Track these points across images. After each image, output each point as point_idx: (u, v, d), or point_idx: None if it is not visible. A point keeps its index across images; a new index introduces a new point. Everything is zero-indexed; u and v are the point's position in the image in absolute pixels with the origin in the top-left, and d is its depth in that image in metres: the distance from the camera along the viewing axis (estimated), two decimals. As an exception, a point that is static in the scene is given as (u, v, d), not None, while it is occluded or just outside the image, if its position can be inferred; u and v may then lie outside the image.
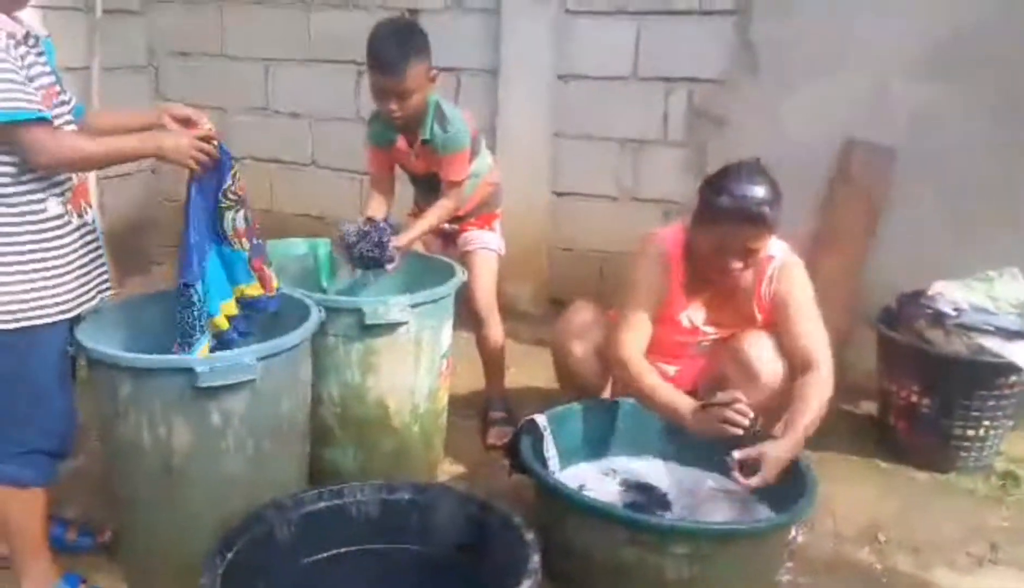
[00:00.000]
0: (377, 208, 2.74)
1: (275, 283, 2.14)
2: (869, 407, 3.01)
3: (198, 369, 1.84)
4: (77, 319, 1.92)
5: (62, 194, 1.85)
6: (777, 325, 2.30)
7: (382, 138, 2.72)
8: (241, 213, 2.03)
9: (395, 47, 2.46)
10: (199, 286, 1.97)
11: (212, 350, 2.00)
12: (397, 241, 2.53)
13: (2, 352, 1.83)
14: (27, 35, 1.79)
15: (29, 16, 1.86)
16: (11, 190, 1.77)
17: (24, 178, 1.78)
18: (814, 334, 2.24)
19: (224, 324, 2.04)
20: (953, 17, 3.20)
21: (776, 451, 2.01)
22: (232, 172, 1.99)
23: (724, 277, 2.26)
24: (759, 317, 2.35)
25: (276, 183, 4.48)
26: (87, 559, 2.15)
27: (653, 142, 3.78)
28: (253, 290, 2.09)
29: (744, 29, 3.54)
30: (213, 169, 1.95)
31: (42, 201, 1.81)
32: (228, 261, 2.05)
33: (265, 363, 1.92)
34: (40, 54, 1.83)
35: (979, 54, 3.19)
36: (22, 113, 1.68)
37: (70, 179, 1.88)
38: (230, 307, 2.06)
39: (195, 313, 1.98)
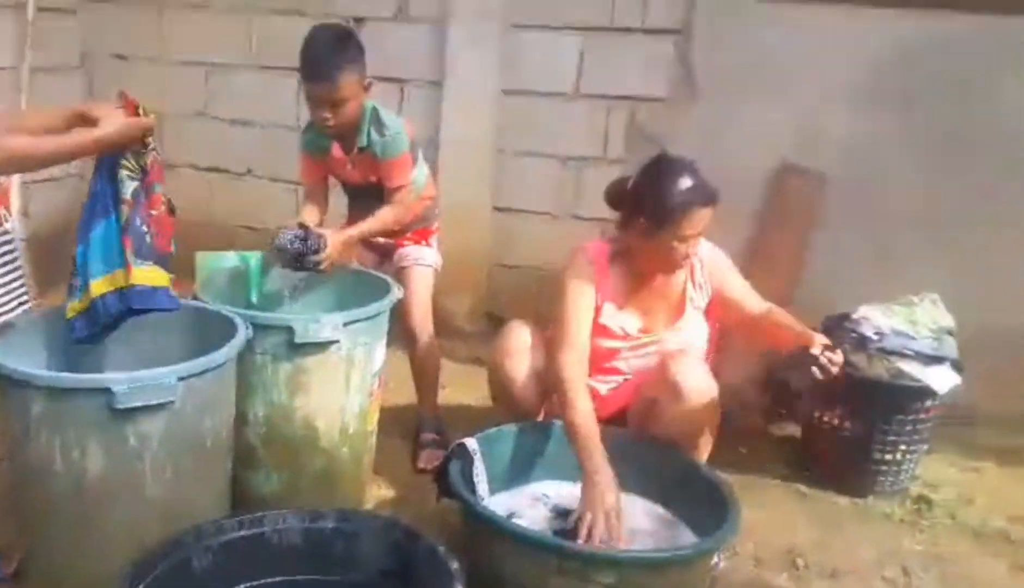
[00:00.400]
0: (311, 217, 2.70)
1: (141, 276, 1.96)
2: (793, 430, 3.07)
3: (115, 389, 1.79)
4: None
5: None
6: (726, 303, 2.44)
7: (316, 146, 2.68)
8: (136, 185, 1.94)
9: (328, 55, 2.43)
10: (83, 249, 1.94)
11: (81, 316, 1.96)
12: (338, 234, 2.50)
13: None
14: None
15: None
16: None
17: None
18: (760, 299, 2.46)
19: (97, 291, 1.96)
20: (884, 48, 3.31)
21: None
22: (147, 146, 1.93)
23: (672, 269, 2.37)
24: (696, 305, 2.44)
25: (215, 192, 4.40)
26: (-8, 590, 2.07)
27: (594, 159, 3.81)
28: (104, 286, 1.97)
29: (685, 51, 3.59)
30: None
31: None
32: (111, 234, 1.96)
33: (187, 383, 1.87)
34: None
35: (909, 85, 3.30)
36: None
37: None
38: (101, 285, 1.97)
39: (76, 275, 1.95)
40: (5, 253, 1.90)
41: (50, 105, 3.79)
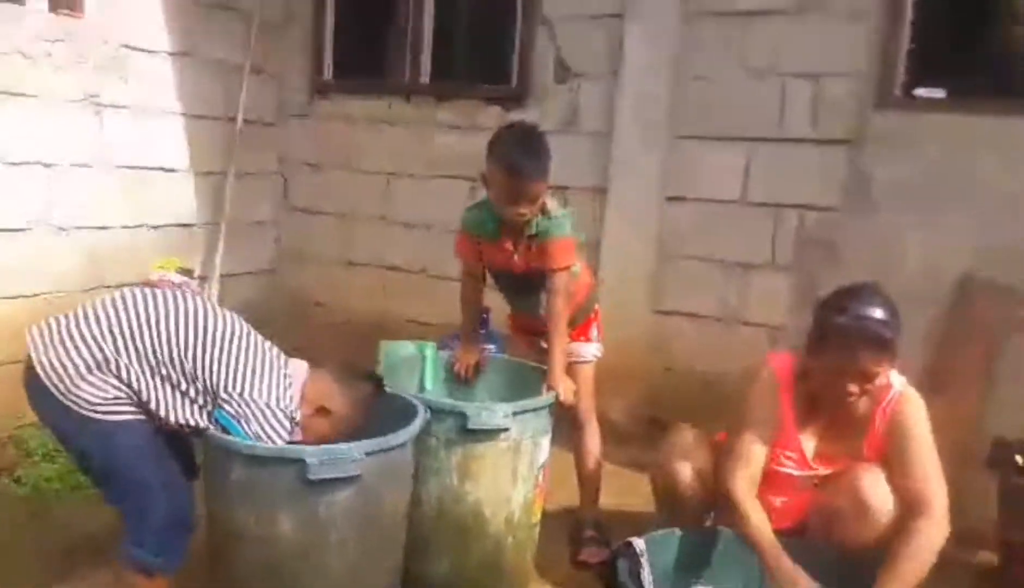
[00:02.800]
0: (474, 297, 2.81)
1: None
2: (988, 557, 2.81)
3: (309, 461, 1.90)
4: None
5: None
6: (890, 459, 2.21)
7: (482, 228, 2.67)
8: None
9: (534, 152, 2.52)
10: None
11: None
12: (551, 382, 2.53)
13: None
14: None
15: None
16: None
17: None
18: (930, 473, 2.14)
19: None
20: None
21: None
22: None
23: (840, 403, 2.19)
24: (867, 453, 2.26)
25: (389, 287, 4.66)
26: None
27: (760, 266, 3.78)
28: None
29: (857, 160, 3.55)
30: None
31: None
32: None
33: (372, 459, 1.97)
34: None
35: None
36: None
37: None
38: None
39: None
40: None
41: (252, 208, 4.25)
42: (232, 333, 2.04)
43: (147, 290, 2.09)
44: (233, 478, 1.98)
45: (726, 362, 3.66)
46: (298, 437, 2.07)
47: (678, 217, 3.92)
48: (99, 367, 1.95)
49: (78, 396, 1.94)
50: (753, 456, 2.25)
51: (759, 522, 2.16)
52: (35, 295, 3.49)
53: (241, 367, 2.00)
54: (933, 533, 2.05)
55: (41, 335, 1.99)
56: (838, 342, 2.11)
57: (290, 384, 2.07)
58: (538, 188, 2.51)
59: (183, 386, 1.99)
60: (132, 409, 1.98)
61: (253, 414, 1.97)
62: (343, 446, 1.99)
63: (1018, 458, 2.61)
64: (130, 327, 1.98)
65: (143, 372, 1.97)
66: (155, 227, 4.05)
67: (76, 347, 1.96)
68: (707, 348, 3.84)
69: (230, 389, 1.98)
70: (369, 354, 2.78)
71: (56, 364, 1.95)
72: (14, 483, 2.99)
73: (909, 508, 2.10)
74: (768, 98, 3.71)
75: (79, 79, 3.61)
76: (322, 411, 2.11)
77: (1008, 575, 2.67)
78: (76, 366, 1.95)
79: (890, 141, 3.49)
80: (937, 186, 3.39)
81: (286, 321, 4.65)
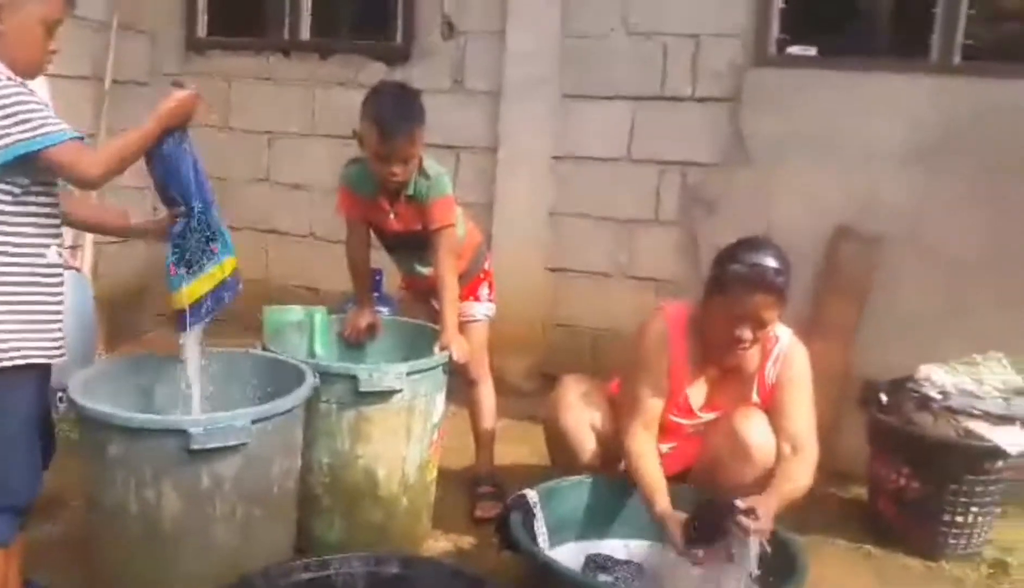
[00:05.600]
0: (360, 256, 2.76)
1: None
2: (859, 491, 3.00)
3: (192, 431, 1.84)
4: (47, 375, 1.88)
5: (59, 245, 1.86)
6: (774, 406, 2.32)
7: (361, 185, 2.64)
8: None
9: (403, 112, 2.49)
10: (207, 214, 2.00)
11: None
12: (444, 341, 2.49)
13: None
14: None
15: (38, 85, 1.90)
16: (14, 232, 1.76)
17: (28, 223, 1.78)
18: (806, 421, 2.28)
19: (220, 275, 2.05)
20: (937, 111, 3.34)
21: (767, 502, 2.02)
22: None
23: (733, 350, 2.27)
24: (757, 399, 2.36)
25: (271, 252, 4.54)
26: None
27: (646, 222, 3.86)
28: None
29: (736, 117, 3.66)
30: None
31: (43, 247, 1.81)
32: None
33: (259, 426, 1.92)
34: None
35: (965, 145, 3.32)
36: (67, 134, 1.72)
37: (63, 233, 1.89)
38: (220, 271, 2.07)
39: (203, 239, 2.01)
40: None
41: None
42: None
43: None
44: (111, 452, 1.89)
45: (616, 317, 3.75)
46: None
47: (566, 175, 3.96)
48: None
49: None
50: (648, 407, 2.32)
51: (642, 466, 2.24)
52: None
53: None
54: (804, 470, 2.18)
55: None
56: (735, 289, 2.19)
57: None
58: (409, 148, 2.47)
59: None
60: None
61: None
62: (229, 414, 1.93)
63: (883, 396, 2.78)
64: None
65: None
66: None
67: None
68: (597, 304, 3.91)
69: None
70: (254, 321, 2.70)
71: None
72: None
73: (783, 451, 2.23)
74: (651, 58, 3.77)
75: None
76: None
77: (874, 507, 2.85)
78: None
79: (766, 98, 3.61)
80: (809, 141, 3.54)
81: (162, 289, 4.47)
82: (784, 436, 2.25)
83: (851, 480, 3.03)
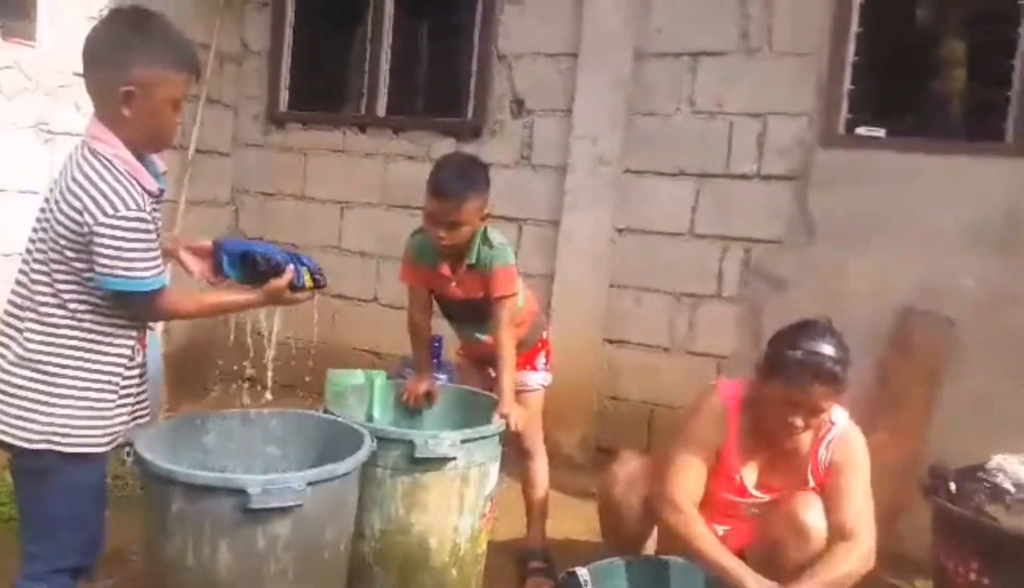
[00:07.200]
0: (422, 322, 2.79)
1: None
2: (923, 584, 2.87)
3: (250, 490, 1.88)
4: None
5: (136, 334, 1.92)
6: (826, 492, 2.27)
7: (423, 254, 2.69)
8: None
9: (458, 177, 2.54)
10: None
11: None
12: (502, 410, 2.52)
13: (54, 474, 1.85)
14: (160, 191, 1.90)
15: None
16: (97, 326, 1.83)
17: (110, 317, 1.84)
18: (861, 509, 2.22)
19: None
20: (1008, 196, 3.28)
21: None
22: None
23: (785, 434, 2.24)
24: (811, 483, 2.31)
25: (338, 317, 4.65)
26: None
27: (707, 297, 3.85)
28: None
29: (802, 195, 3.66)
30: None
31: (119, 338, 1.87)
32: None
33: (314, 489, 1.95)
34: (159, 201, 1.93)
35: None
36: (152, 282, 1.79)
37: (145, 323, 1.96)
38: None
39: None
40: (143, 377, 2.01)
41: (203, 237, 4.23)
42: None
43: None
44: (172, 508, 1.94)
45: (673, 391, 3.72)
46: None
47: (628, 249, 3.98)
48: None
49: None
50: (692, 471, 2.29)
51: (703, 533, 2.19)
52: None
53: None
54: (854, 555, 2.13)
55: None
56: (790, 376, 2.15)
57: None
58: (457, 212, 2.50)
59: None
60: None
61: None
62: (285, 475, 1.98)
63: (952, 485, 2.67)
64: None
65: None
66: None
67: None
68: (655, 378, 3.89)
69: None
70: (320, 383, 2.77)
71: None
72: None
73: (835, 540, 2.17)
74: (716, 136, 3.80)
75: (31, 106, 3.57)
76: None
77: (944, 601, 2.72)
78: None
79: (833, 177, 3.61)
80: (877, 221, 3.51)
81: (236, 352, 4.62)
82: (834, 521, 2.19)
83: (917, 572, 2.90)
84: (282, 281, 1.98)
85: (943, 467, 2.75)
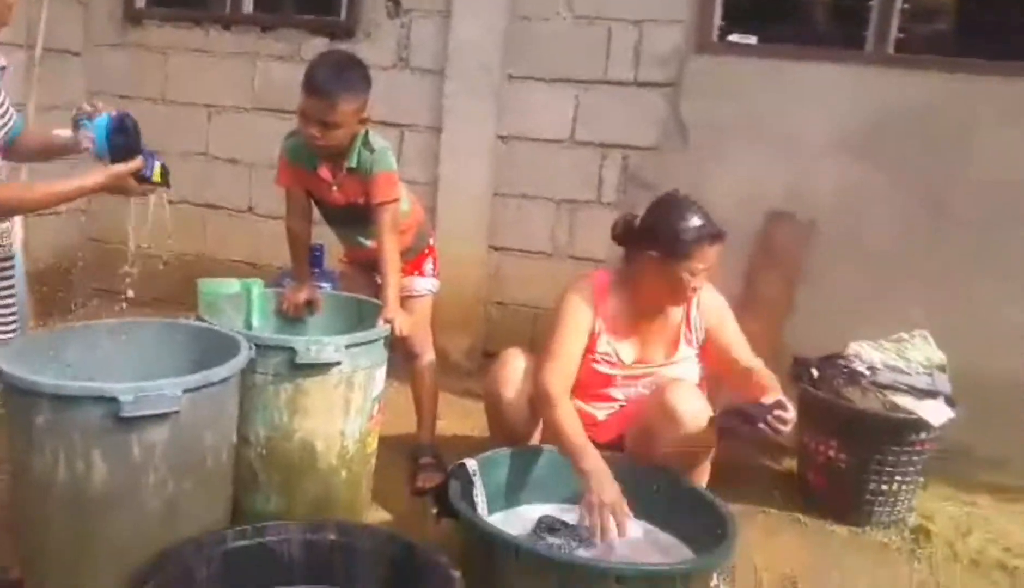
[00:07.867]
0: (302, 257, 2.74)
1: None
2: (790, 463, 3.10)
3: (121, 398, 1.79)
4: None
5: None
6: (717, 345, 2.48)
7: (299, 156, 2.60)
8: None
9: (333, 75, 2.43)
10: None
11: None
12: (400, 311, 2.51)
13: None
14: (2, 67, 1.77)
15: None
16: None
17: None
18: (749, 349, 2.49)
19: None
20: (874, 104, 3.44)
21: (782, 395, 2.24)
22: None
23: (682, 301, 2.43)
24: (685, 346, 2.48)
25: (209, 227, 4.46)
26: (-10, 602, 2.04)
27: (588, 203, 3.90)
28: None
29: (676, 102, 3.71)
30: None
31: None
32: None
33: (191, 396, 1.88)
34: None
35: (899, 138, 3.42)
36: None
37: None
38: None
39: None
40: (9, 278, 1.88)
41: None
42: None
43: None
44: (38, 421, 1.84)
45: (555, 295, 3.77)
46: None
47: (511, 156, 3.97)
48: None
49: None
50: (566, 354, 2.40)
51: (567, 413, 2.31)
52: None
53: None
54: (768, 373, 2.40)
55: None
56: (688, 249, 2.32)
57: None
58: (332, 111, 2.41)
59: None
60: None
61: None
62: (158, 382, 1.89)
63: (814, 372, 2.86)
64: None
65: None
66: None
67: None
68: (538, 283, 3.94)
69: None
70: (188, 299, 2.66)
71: None
72: None
73: (750, 372, 2.42)
74: (595, 42, 3.79)
75: None
76: None
77: (804, 478, 2.94)
78: None
79: (706, 84, 3.67)
80: (748, 127, 3.61)
81: (95, 265, 4.37)
82: (740, 367, 2.44)
83: (783, 452, 3.12)
84: (127, 166, 1.88)
85: (806, 356, 2.94)
